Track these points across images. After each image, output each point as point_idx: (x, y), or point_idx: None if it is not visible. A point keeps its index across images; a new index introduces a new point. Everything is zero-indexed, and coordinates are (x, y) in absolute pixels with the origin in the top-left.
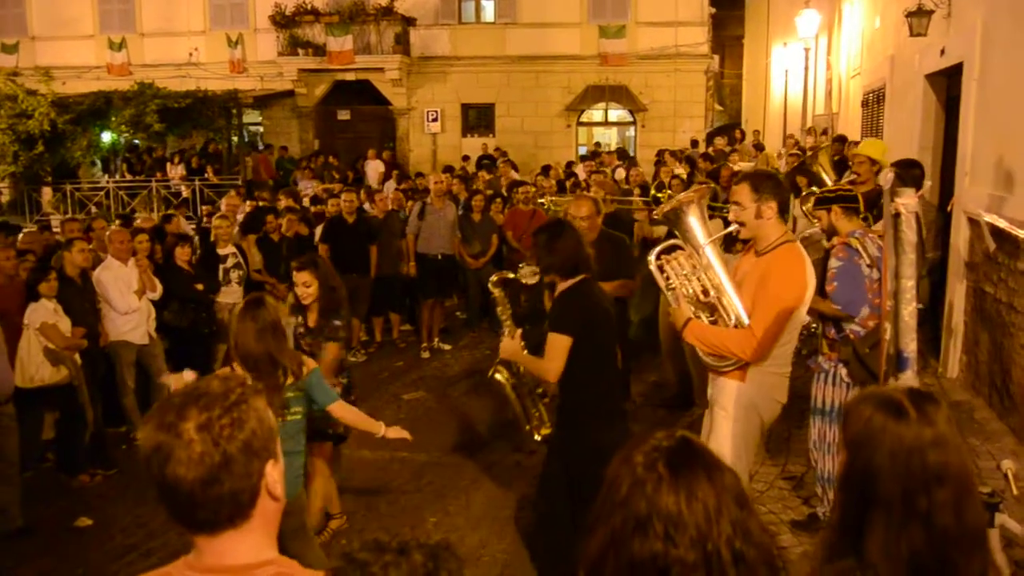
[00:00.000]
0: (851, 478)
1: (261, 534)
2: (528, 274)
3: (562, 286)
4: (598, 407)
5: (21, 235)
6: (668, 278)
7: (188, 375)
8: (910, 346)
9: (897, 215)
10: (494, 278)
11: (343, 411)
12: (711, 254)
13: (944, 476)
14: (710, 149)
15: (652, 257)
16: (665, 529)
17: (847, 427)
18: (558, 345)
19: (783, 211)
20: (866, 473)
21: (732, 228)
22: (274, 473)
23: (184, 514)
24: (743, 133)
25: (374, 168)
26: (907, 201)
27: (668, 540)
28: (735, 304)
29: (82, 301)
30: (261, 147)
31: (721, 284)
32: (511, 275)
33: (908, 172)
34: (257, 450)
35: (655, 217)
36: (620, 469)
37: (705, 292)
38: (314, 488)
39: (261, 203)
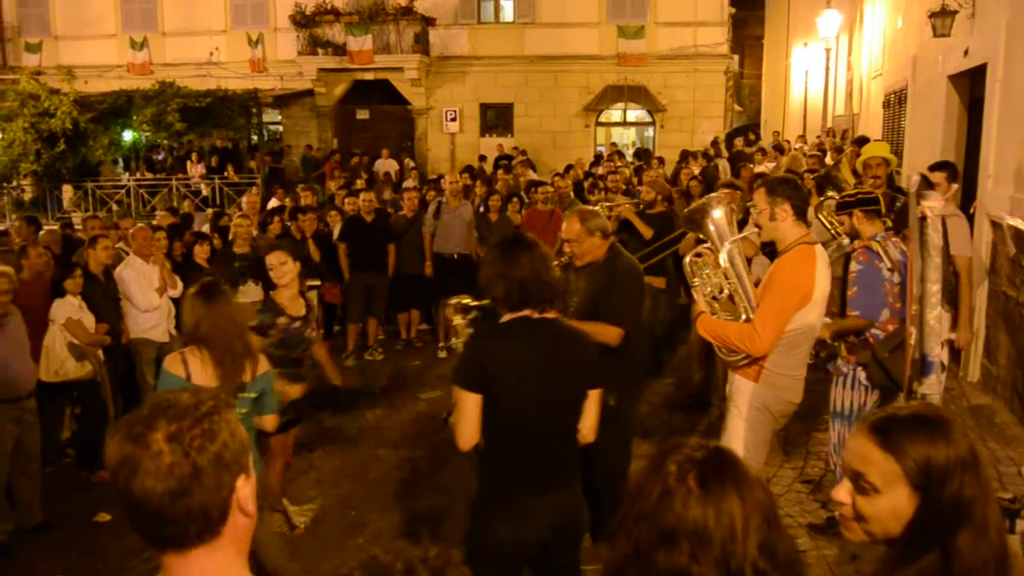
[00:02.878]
0: (935, 514)
1: (231, 552)
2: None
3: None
4: (499, 491)
5: (41, 233)
6: (693, 276)
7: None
8: (934, 350)
9: (923, 218)
10: (454, 301)
11: (269, 424)
12: (730, 254)
13: (989, 472)
14: (710, 148)
15: (687, 258)
16: (691, 545)
17: (915, 466)
18: (460, 402)
19: (800, 214)
20: (959, 503)
21: (753, 230)
22: (246, 488)
23: (152, 530)
24: (756, 135)
25: (388, 167)
26: (932, 204)
27: (693, 557)
28: (747, 301)
29: (105, 298)
30: (284, 146)
31: (737, 282)
32: (471, 301)
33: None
34: (228, 463)
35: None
36: (650, 477)
37: (721, 289)
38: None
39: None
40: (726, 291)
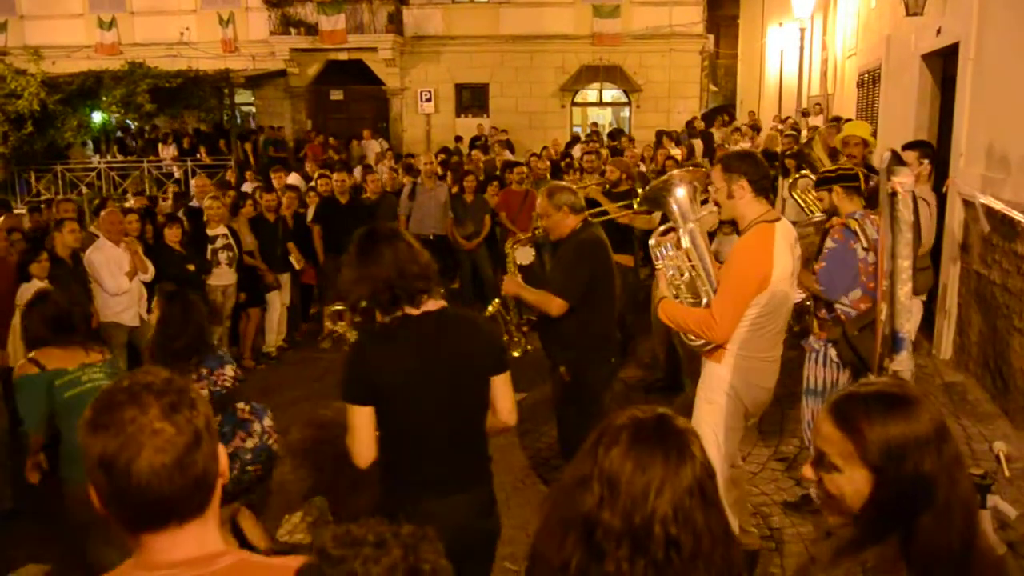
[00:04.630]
0: (891, 494)
1: (214, 522)
2: (522, 255)
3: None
4: (402, 499)
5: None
6: (656, 259)
7: None
8: (905, 327)
9: (893, 194)
10: (331, 309)
11: None
12: (692, 234)
13: (960, 453)
14: (684, 129)
15: (651, 240)
16: (602, 491)
17: (869, 445)
18: (351, 418)
19: (761, 190)
20: (916, 483)
21: (712, 208)
22: (224, 456)
23: (156, 510)
24: (731, 115)
25: (371, 148)
26: (903, 180)
27: (601, 502)
28: (709, 285)
29: (74, 282)
30: (255, 127)
31: (700, 264)
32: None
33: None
34: (214, 430)
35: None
36: (597, 430)
37: (682, 272)
38: None
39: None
40: (687, 274)
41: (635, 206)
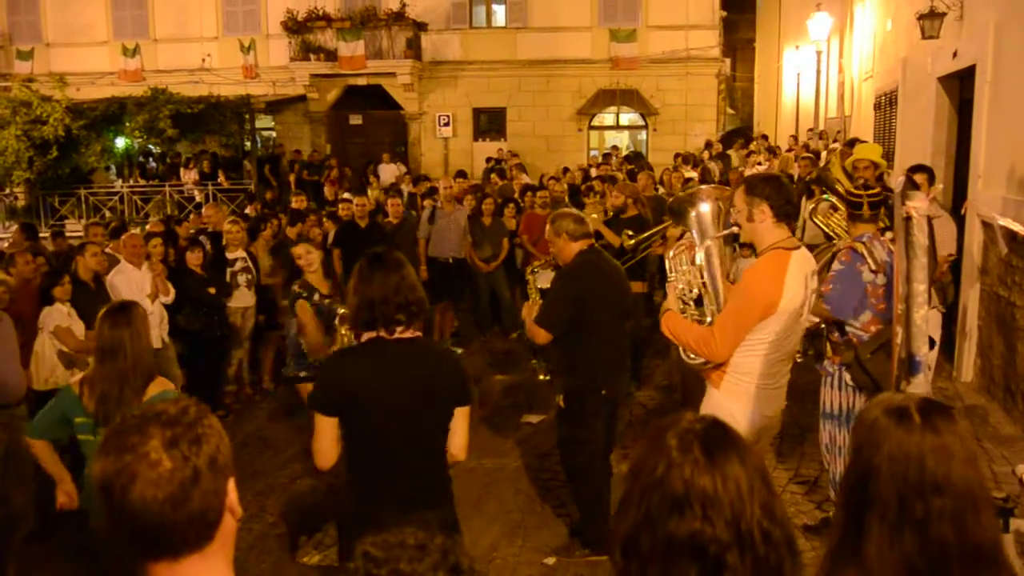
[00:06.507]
0: (850, 478)
1: (220, 556)
2: (545, 279)
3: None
4: (363, 510)
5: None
6: (670, 271)
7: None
8: (922, 350)
9: (908, 218)
10: (342, 311)
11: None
12: (708, 252)
13: (944, 486)
14: (704, 151)
15: (669, 253)
16: (703, 509)
17: (856, 431)
18: (317, 425)
19: (784, 216)
20: (864, 473)
21: (733, 229)
22: (234, 492)
23: (150, 540)
24: (748, 139)
25: (389, 172)
26: (918, 204)
27: (706, 520)
28: (716, 304)
29: (95, 305)
30: (274, 152)
31: (709, 282)
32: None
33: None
34: (222, 467)
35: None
36: (652, 451)
37: (692, 288)
38: None
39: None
40: (696, 290)
41: (624, 235)
